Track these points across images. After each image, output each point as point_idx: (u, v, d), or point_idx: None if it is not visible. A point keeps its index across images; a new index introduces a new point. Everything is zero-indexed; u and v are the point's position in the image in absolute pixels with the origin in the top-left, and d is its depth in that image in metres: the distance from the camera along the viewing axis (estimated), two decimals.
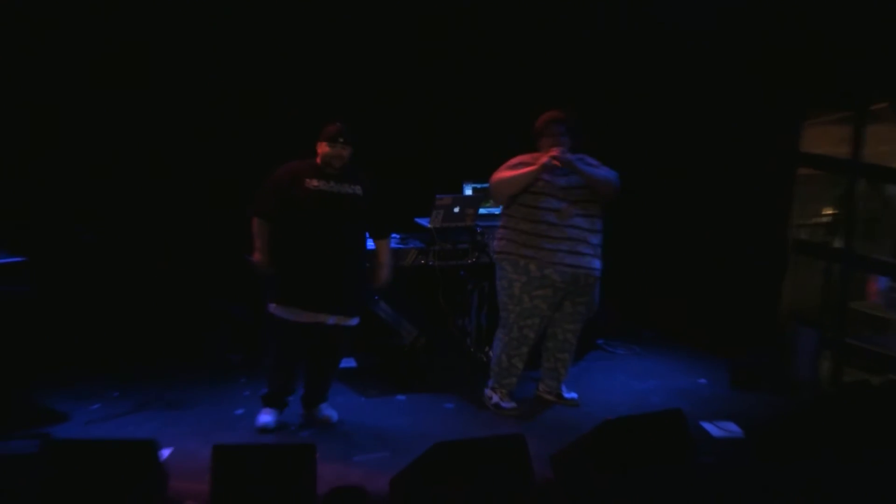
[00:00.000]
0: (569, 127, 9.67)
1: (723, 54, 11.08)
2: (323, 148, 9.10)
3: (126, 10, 10.78)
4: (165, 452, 7.96)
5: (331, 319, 9.30)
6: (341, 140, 9.07)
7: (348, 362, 10.96)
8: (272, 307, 9.22)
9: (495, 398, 9.99)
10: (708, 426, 9.70)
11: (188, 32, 11.06)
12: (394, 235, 10.73)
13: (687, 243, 11.77)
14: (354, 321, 9.44)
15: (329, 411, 9.68)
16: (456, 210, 10.69)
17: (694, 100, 11.49)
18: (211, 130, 11.24)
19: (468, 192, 11.04)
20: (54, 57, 10.73)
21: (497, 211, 10.56)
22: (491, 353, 10.14)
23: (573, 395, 10.22)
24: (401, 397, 10.35)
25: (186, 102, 11.17)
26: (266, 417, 9.40)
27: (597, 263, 9.78)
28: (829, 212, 10.97)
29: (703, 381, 10.99)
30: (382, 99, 11.52)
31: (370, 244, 9.62)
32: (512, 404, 9.99)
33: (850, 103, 10.40)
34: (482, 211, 10.87)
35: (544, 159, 9.52)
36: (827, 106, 10.76)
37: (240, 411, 9.90)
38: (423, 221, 10.70)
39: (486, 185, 10.58)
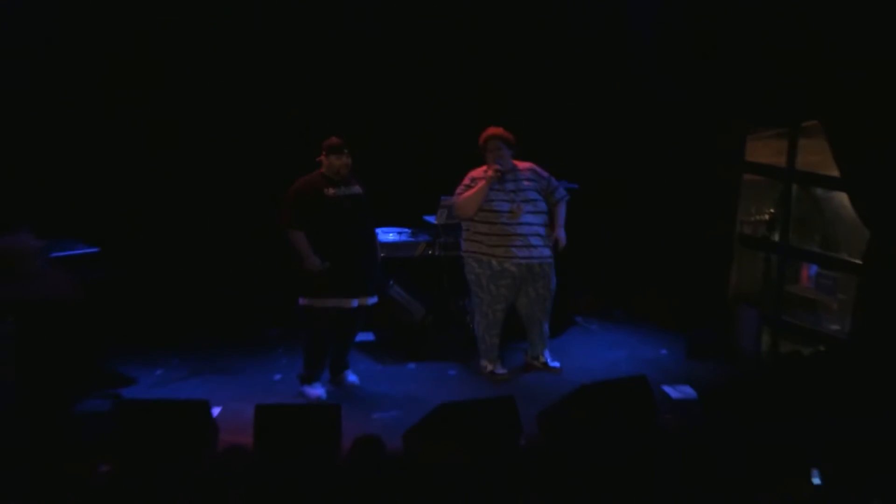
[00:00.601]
0: (505, 140, 9.74)
1: (684, 85, 11.09)
2: (331, 160, 9.21)
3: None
4: (216, 411, 7.98)
5: (369, 300, 9.54)
6: (346, 151, 9.21)
7: (367, 336, 10.98)
8: (314, 301, 9.31)
9: (489, 367, 10.02)
10: (668, 389, 9.73)
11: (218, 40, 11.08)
12: (405, 230, 10.88)
13: (653, 236, 11.77)
14: (375, 299, 9.61)
15: (353, 377, 9.81)
16: None
17: (663, 121, 11.49)
18: (238, 135, 11.23)
19: None
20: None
21: None
22: (475, 334, 10.18)
23: (556, 363, 10.24)
24: (411, 366, 10.41)
25: (215, 111, 11.16)
26: (318, 390, 9.49)
27: (547, 252, 9.93)
28: (769, 211, 10.97)
29: (664, 351, 11.00)
30: (395, 116, 11.49)
31: None
32: (503, 371, 10.05)
33: (785, 121, 10.41)
34: None
35: (490, 173, 9.66)
36: (767, 123, 10.77)
37: (278, 377, 9.98)
38: (430, 219, 10.71)
39: None
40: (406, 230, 10.91)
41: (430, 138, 11.08)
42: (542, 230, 9.89)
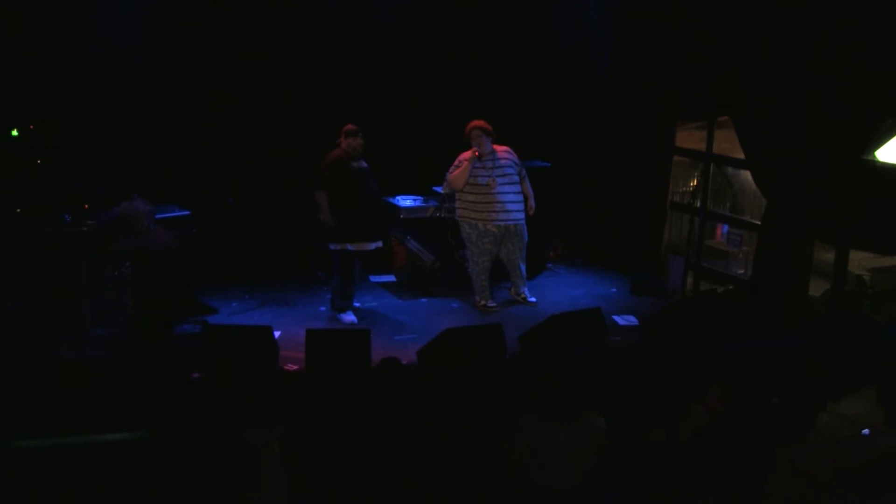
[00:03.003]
0: (484, 129, 9.76)
1: (633, 92, 11.09)
2: (351, 141, 9.37)
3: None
4: (277, 334, 8.03)
5: (374, 245, 9.68)
6: (360, 134, 9.37)
7: (390, 278, 11.04)
8: (347, 245, 9.47)
9: (482, 301, 10.08)
10: (616, 318, 9.82)
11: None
12: (419, 197, 10.94)
13: (608, 203, 11.76)
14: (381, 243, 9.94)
15: (356, 303, 9.95)
16: None
17: (618, 117, 11.50)
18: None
19: None
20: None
21: None
22: (470, 277, 10.22)
23: (533, 298, 10.29)
24: (423, 300, 10.43)
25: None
26: (350, 317, 9.65)
27: (520, 215, 9.99)
28: (692, 184, 11.00)
29: (613, 289, 11.02)
30: (413, 115, 11.44)
31: None
32: (494, 304, 10.10)
33: (705, 116, 10.44)
34: None
35: (471, 156, 9.77)
36: (691, 118, 10.80)
37: (323, 308, 10.02)
38: (438, 189, 10.71)
39: None
40: (419, 197, 10.90)
41: (438, 130, 11.03)
42: (516, 198, 9.93)
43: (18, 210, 8.80)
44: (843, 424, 6.45)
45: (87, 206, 9.05)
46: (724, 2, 9.33)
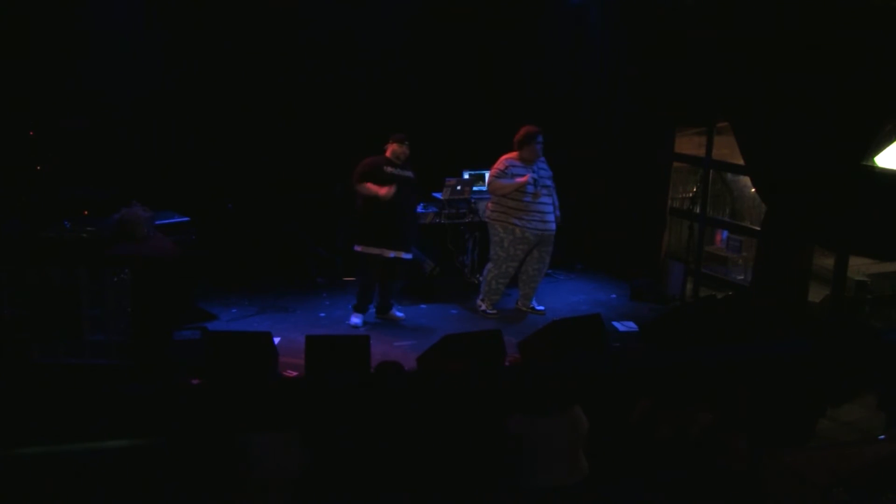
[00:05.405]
0: (543, 137, 9.72)
1: (634, 99, 11.07)
2: (394, 147, 9.50)
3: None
4: (276, 339, 8.01)
5: (403, 255, 9.65)
6: (406, 143, 9.50)
7: None
8: (364, 248, 9.53)
9: (483, 306, 10.07)
10: (616, 324, 9.84)
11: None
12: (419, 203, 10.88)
13: (607, 209, 11.77)
14: (410, 255, 9.76)
15: (399, 313, 9.97)
16: (458, 188, 10.72)
17: (617, 125, 11.50)
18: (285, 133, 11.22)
19: (466, 175, 11.01)
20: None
21: (483, 188, 10.66)
22: (481, 279, 10.21)
23: (542, 307, 10.33)
24: (423, 306, 10.40)
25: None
26: (357, 320, 9.68)
27: (554, 226, 9.95)
28: (692, 190, 11.00)
29: (613, 295, 11.04)
30: (413, 122, 11.40)
31: None
32: (494, 311, 10.10)
33: (704, 122, 10.45)
34: (475, 188, 10.89)
35: (527, 178, 9.68)
36: (691, 124, 10.81)
37: (322, 314, 10.02)
38: (438, 195, 10.73)
39: (478, 171, 10.79)
40: (419, 203, 10.91)
41: (437, 136, 11.05)
42: (551, 208, 9.93)
43: (18, 216, 8.78)
44: (843, 430, 6.46)
45: (86, 212, 9.04)
46: (723, 8, 9.34)
